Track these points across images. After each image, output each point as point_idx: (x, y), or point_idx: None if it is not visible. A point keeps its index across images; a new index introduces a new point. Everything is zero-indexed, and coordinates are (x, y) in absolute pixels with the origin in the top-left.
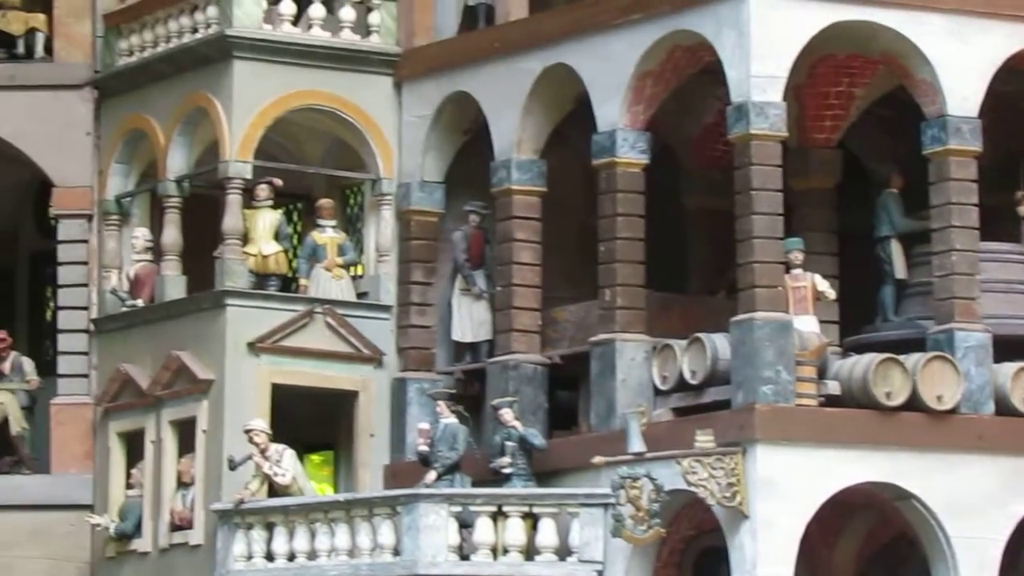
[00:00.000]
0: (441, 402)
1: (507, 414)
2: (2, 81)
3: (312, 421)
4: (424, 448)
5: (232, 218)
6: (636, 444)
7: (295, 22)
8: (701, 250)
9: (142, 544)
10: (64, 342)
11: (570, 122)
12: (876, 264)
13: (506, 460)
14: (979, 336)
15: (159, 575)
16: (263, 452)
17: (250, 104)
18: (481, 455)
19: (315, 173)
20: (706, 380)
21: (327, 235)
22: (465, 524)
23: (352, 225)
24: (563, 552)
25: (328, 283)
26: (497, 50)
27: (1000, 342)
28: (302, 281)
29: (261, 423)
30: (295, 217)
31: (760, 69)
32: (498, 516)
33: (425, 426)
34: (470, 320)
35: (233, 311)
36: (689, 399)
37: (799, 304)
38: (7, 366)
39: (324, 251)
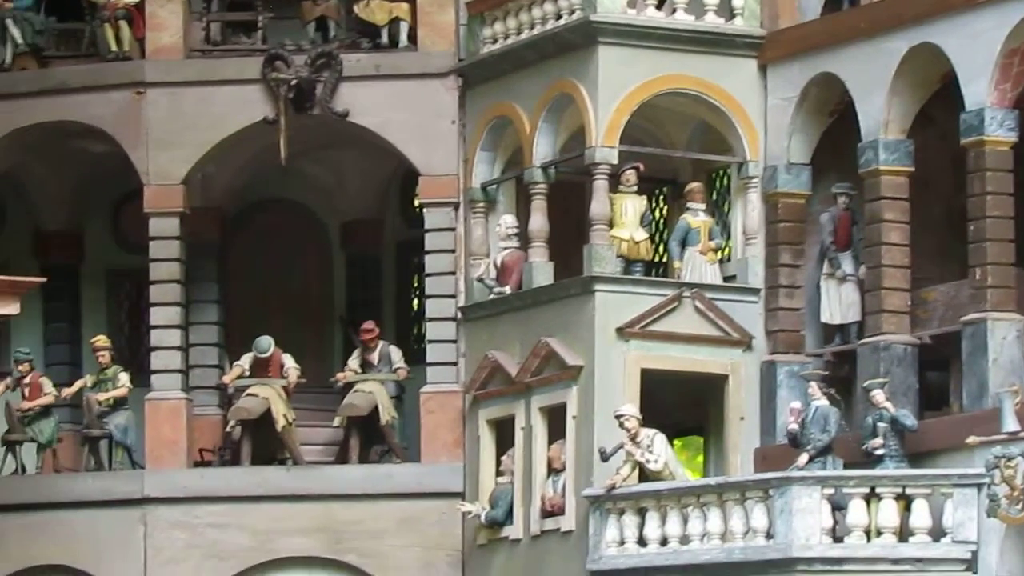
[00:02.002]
0: (814, 383)
1: (879, 395)
2: (367, 71)
3: (680, 406)
4: (794, 427)
5: (599, 204)
6: (1010, 423)
7: (659, 6)
8: None
9: (513, 531)
10: (432, 330)
11: (935, 101)
12: None
13: (878, 441)
14: None
15: (530, 562)
16: (633, 438)
17: (615, 89)
18: (852, 437)
19: (681, 157)
20: None
21: (699, 219)
22: (838, 507)
23: (718, 208)
24: (936, 533)
25: (703, 267)
26: (862, 31)
27: None
28: (675, 265)
29: (631, 408)
30: (660, 201)
31: None
32: (871, 498)
33: (797, 405)
34: (839, 301)
35: (602, 296)
36: None
37: None
38: (375, 356)
39: (697, 235)
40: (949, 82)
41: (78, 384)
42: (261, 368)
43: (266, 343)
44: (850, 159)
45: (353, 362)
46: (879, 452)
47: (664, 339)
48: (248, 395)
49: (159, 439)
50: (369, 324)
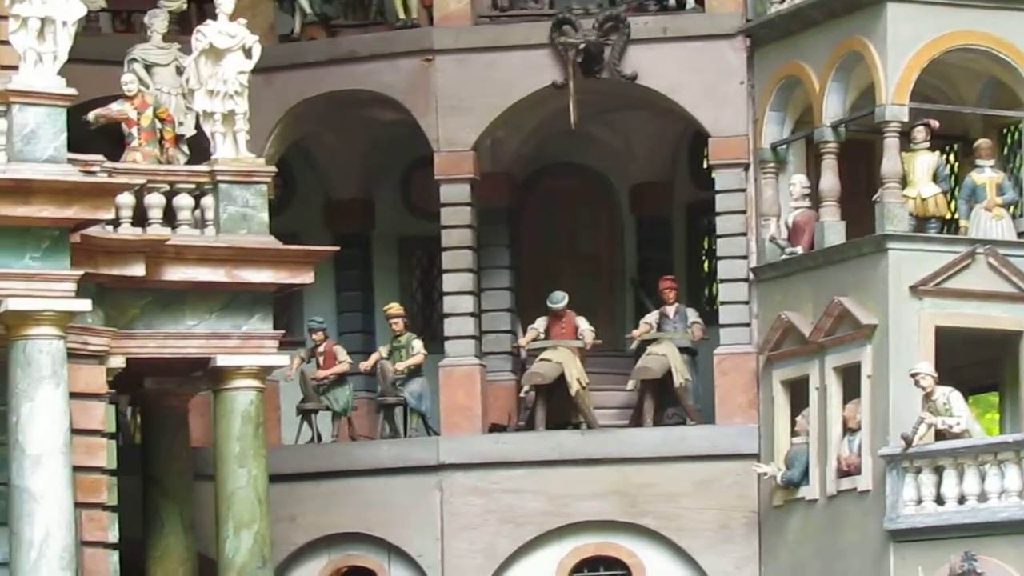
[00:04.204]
0: None
1: None
2: (655, 34)
3: (974, 363)
4: None
5: (891, 161)
6: None
7: None
8: None
9: (809, 492)
10: (725, 292)
11: None
12: None
13: None
14: None
15: (827, 522)
16: (928, 396)
17: (905, 47)
18: None
19: (971, 113)
20: None
21: (986, 175)
22: None
23: (1010, 164)
24: None
25: (988, 223)
26: None
27: None
28: (962, 222)
29: (927, 367)
30: (951, 158)
31: None
32: None
33: None
34: None
35: (895, 255)
36: None
37: None
38: (671, 311)
39: (983, 191)
40: None
41: (374, 357)
42: (555, 329)
43: (559, 296)
44: None
45: (650, 318)
46: None
47: (958, 296)
48: (542, 360)
49: (454, 405)
50: (669, 278)
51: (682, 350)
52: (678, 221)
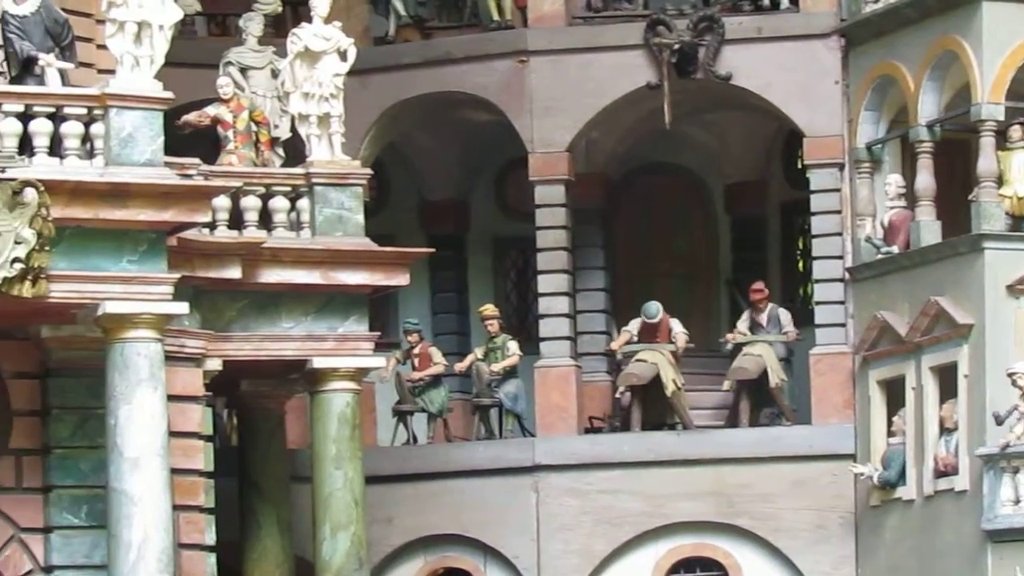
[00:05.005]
0: None
1: None
2: (750, 33)
3: None
4: None
5: (986, 161)
6: None
7: None
8: None
9: (906, 492)
10: (820, 292)
11: None
12: None
13: None
14: None
15: (924, 522)
16: None
17: (1000, 45)
18: None
19: None
20: None
21: None
22: None
23: None
24: None
25: None
26: None
27: None
28: None
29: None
30: None
31: None
32: None
33: None
34: None
35: (991, 254)
36: None
37: None
38: (764, 317)
39: None
40: None
41: (470, 358)
42: (649, 333)
43: (655, 308)
44: None
45: (742, 324)
46: None
47: None
48: (637, 360)
49: (549, 406)
50: (759, 284)
51: (777, 351)
52: (772, 221)
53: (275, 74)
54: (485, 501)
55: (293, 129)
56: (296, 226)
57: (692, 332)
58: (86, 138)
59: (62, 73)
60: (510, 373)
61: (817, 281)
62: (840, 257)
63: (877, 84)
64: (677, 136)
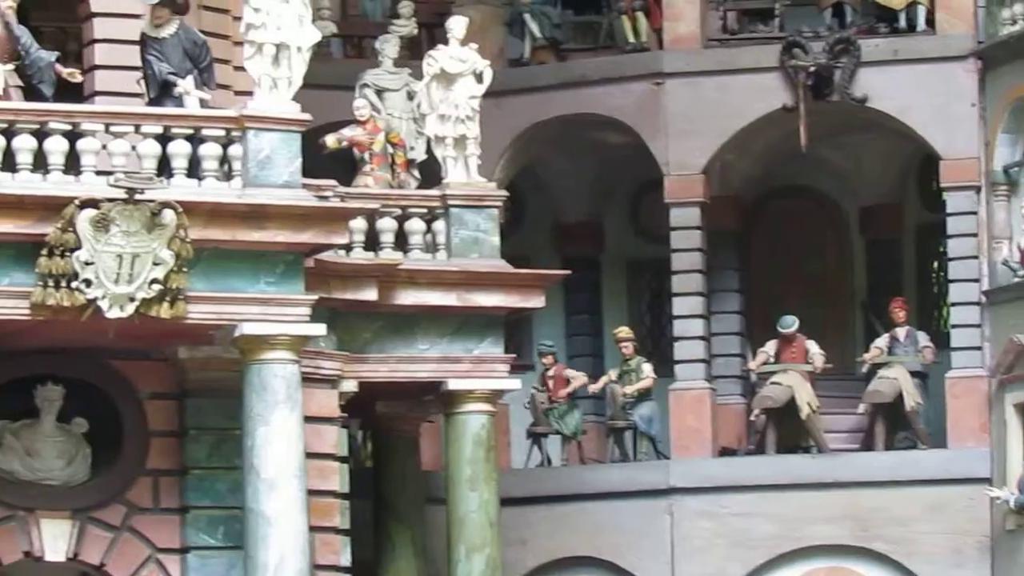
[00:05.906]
0: None
1: None
2: (886, 56)
3: None
4: None
5: None
6: None
7: None
8: None
9: None
10: (956, 315)
11: None
12: None
13: None
14: None
15: None
16: None
17: None
18: None
19: None
20: None
21: None
22: None
23: None
24: None
25: None
26: None
27: None
28: None
29: None
30: None
31: None
32: None
33: None
34: None
35: None
36: None
37: None
38: (903, 333)
39: None
40: None
41: (603, 380)
42: (785, 353)
43: (790, 320)
44: None
45: (880, 341)
46: None
47: None
48: (772, 383)
49: (684, 429)
50: (900, 300)
51: (913, 374)
52: (908, 243)
53: (411, 96)
54: (619, 524)
55: (428, 151)
56: (432, 248)
57: (827, 355)
58: (224, 160)
59: (200, 99)
60: (644, 395)
61: (953, 304)
62: (976, 280)
63: (1014, 107)
64: (812, 159)
